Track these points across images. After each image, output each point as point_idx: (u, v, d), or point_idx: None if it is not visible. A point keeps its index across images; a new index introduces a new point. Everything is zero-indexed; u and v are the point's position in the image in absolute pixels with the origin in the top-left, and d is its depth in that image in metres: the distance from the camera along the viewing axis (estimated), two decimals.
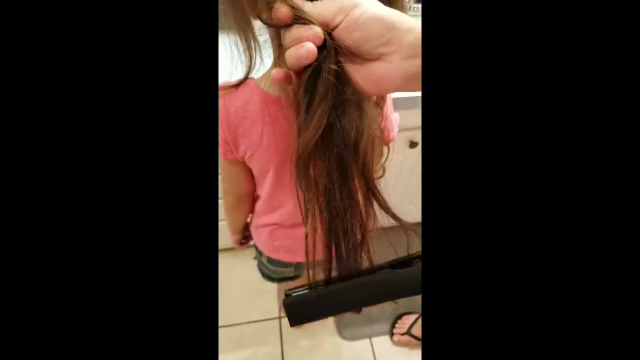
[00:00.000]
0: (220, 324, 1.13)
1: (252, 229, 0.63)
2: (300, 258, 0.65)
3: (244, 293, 1.19)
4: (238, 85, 0.39)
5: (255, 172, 0.50)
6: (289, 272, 0.68)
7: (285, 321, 1.14)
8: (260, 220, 0.59)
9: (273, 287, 1.09)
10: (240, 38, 0.33)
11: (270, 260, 0.64)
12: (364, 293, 0.28)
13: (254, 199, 0.58)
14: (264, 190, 0.54)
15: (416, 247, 0.44)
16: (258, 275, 0.74)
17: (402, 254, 0.39)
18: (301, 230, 0.61)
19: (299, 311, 0.28)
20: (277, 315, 1.15)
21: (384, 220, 0.33)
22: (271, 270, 0.68)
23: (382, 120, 0.39)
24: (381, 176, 0.46)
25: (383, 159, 0.45)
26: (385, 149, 0.45)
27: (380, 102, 0.37)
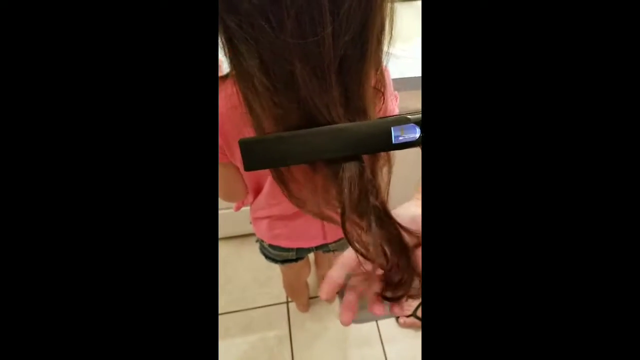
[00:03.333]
0: (229, 309, 1.15)
1: (252, 220, 0.63)
2: (300, 244, 0.65)
3: (251, 279, 1.21)
4: (224, 78, 0.37)
5: (253, 174, 0.50)
6: (291, 255, 0.69)
7: (292, 305, 1.15)
8: (259, 213, 0.59)
9: (280, 273, 1.10)
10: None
11: (271, 245, 0.65)
12: (328, 140, 0.25)
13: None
14: (264, 189, 0.53)
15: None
16: (264, 261, 0.75)
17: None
18: (301, 219, 0.61)
19: (256, 153, 0.25)
20: (284, 300, 1.17)
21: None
22: (273, 253, 0.69)
23: (382, 102, 0.38)
24: None
25: None
26: None
27: (379, 84, 0.36)
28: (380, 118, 0.28)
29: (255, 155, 0.25)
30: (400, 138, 0.25)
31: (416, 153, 0.29)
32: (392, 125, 0.25)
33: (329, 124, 0.28)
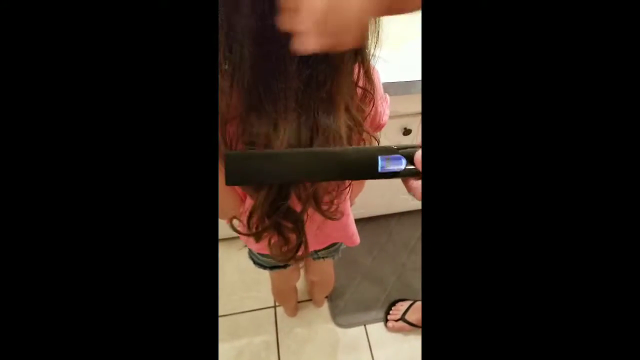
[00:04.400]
0: None
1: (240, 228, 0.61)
2: None
3: (239, 283, 1.19)
4: None
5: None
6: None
7: (280, 310, 1.14)
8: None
9: (267, 276, 1.08)
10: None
11: (260, 252, 0.64)
12: (314, 163, 0.26)
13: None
14: (247, 200, 0.51)
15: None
16: (252, 265, 0.74)
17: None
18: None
19: (240, 168, 0.25)
20: (272, 304, 1.15)
21: None
22: (262, 260, 0.67)
23: (372, 107, 0.38)
24: None
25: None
26: (377, 135, 0.43)
27: (368, 86, 0.36)
28: (371, 146, 0.29)
29: (239, 170, 0.25)
30: (386, 168, 0.26)
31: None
32: (380, 154, 0.26)
33: (273, 113, 0.29)
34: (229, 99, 0.29)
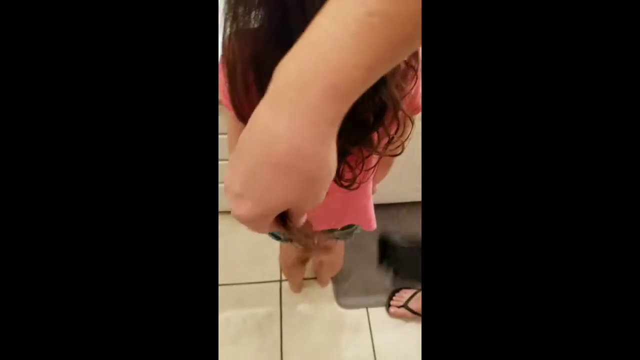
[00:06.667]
0: (222, 282, 1.16)
1: None
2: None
3: (246, 255, 1.21)
4: None
5: None
6: None
7: (285, 285, 1.16)
8: None
9: (275, 251, 1.10)
10: None
11: None
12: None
13: None
14: None
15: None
16: (261, 238, 0.74)
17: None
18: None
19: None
20: (277, 278, 1.18)
21: None
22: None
23: (413, 85, 0.36)
24: (400, 153, 0.43)
25: (406, 133, 0.41)
26: (413, 118, 0.40)
27: (413, 62, 0.34)
28: None
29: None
30: None
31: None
32: None
33: None
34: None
